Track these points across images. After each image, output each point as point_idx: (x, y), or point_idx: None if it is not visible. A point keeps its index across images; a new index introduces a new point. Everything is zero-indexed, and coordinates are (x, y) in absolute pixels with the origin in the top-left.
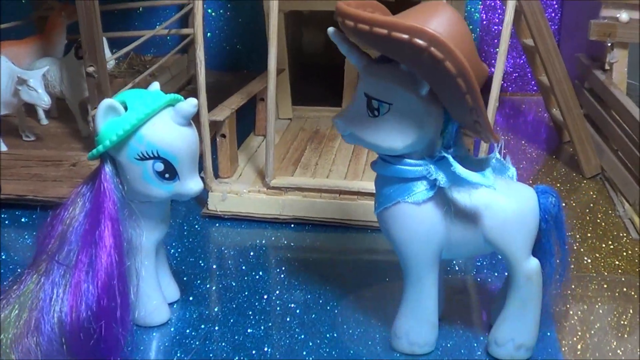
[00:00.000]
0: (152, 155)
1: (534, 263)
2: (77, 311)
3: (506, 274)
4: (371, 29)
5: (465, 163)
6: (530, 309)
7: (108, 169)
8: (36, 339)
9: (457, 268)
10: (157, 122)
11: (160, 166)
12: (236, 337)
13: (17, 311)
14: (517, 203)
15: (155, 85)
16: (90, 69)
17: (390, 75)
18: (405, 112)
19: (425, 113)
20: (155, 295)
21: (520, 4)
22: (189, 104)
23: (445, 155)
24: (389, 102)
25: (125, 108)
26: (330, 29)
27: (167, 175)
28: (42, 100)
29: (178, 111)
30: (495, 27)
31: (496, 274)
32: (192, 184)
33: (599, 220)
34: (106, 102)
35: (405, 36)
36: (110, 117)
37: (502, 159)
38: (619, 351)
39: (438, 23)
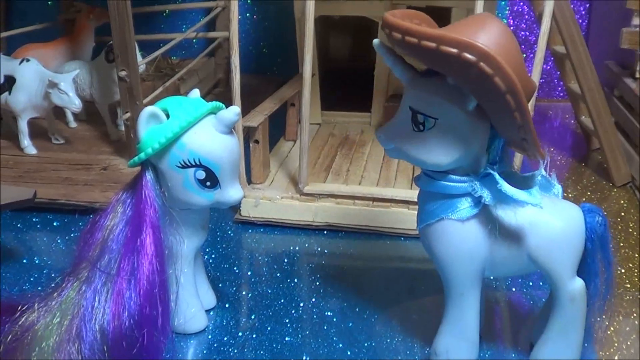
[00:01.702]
0: (194, 163)
1: (578, 283)
2: (119, 319)
3: (549, 292)
4: (419, 42)
5: (511, 179)
6: (573, 330)
7: (149, 176)
8: (78, 346)
9: (495, 284)
10: (199, 130)
11: (201, 174)
12: (274, 345)
13: (58, 319)
14: (564, 222)
15: (196, 93)
16: (122, 73)
17: (437, 89)
18: (451, 127)
19: (471, 129)
20: (193, 302)
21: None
22: (232, 112)
23: (491, 172)
24: (434, 117)
25: (167, 115)
26: (376, 41)
27: (208, 183)
28: (73, 103)
29: (221, 119)
30: (522, 33)
31: (536, 290)
32: (232, 192)
33: (630, 230)
34: (148, 109)
35: (455, 50)
36: (152, 125)
37: (547, 176)
38: None
39: (487, 37)
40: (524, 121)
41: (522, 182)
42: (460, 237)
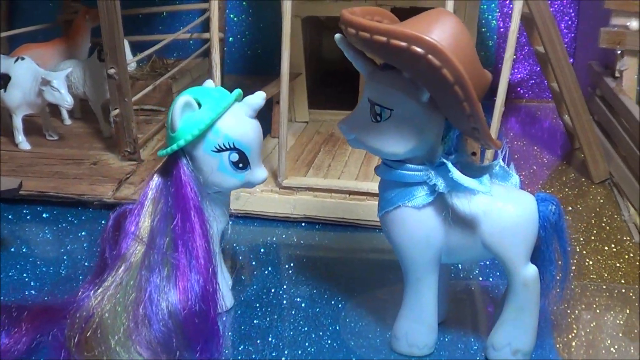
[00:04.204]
0: (228, 147)
1: (531, 270)
2: (187, 297)
3: None
4: (371, 37)
5: (468, 170)
6: (527, 315)
7: (185, 161)
8: (150, 328)
9: (461, 274)
10: (231, 115)
11: (235, 157)
12: (242, 328)
13: (122, 306)
14: (516, 210)
15: (210, 82)
16: (111, 71)
17: (392, 82)
18: (406, 118)
19: (425, 119)
20: (223, 280)
21: (531, 11)
22: (259, 97)
23: (445, 161)
24: (390, 108)
25: (198, 104)
26: (337, 36)
27: (240, 165)
28: (65, 100)
29: (250, 105)
30: None
31: (502, 279)
32: (260, 172)
33: (603, 224)
34: (184, 98)
35: (404, 44)
36: (186, 114)
37: (505, 166)
38: (612, 349)
39: (438, 31)
40: (473, 111)
41: (480, 172)
42: (417, 224)
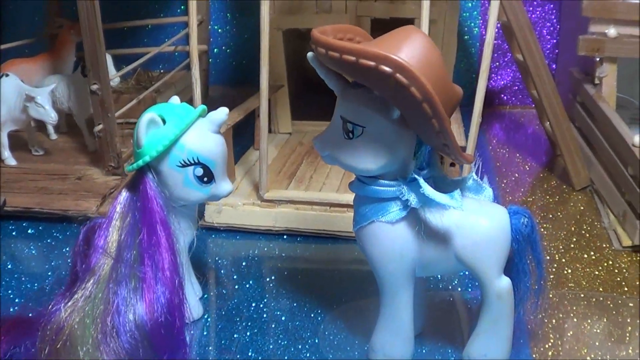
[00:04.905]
0: (193, 162)
1: (505, 282)
2: (153, 309)
3: None
4: (341, 56)
5: (441, 184)
6: (502, 326)
7: (151, 176)
8: (117, 340)
9: (440, 285)
10: (194, 131)
11: (200, 171)
12: (222, 342)
13: (90, 317)
14: (489, 223)
15: (176, 99)
16: (94, 87)
17: (364, 100)
18: (377, 135)
19: (397, 136)
20: (191, 291)
21: (509, 20)
22: (222, 113)
23: (417, 177)
24: (362, 125)
25: (162, 120)
26: (309, 54)
27: (205, 179)
28: (49, 116)
29: (213, 120)
30: (495, 42)
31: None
32: (225, 186)
33: (583, 232)
34: (148, 115)
35: (372, 63)
36: (151, 130)
37: (478, 180)
38: (588, 358)
39: (407, 50)
40: (442, 128)
41: (453, 186)
42: (390, 238)
